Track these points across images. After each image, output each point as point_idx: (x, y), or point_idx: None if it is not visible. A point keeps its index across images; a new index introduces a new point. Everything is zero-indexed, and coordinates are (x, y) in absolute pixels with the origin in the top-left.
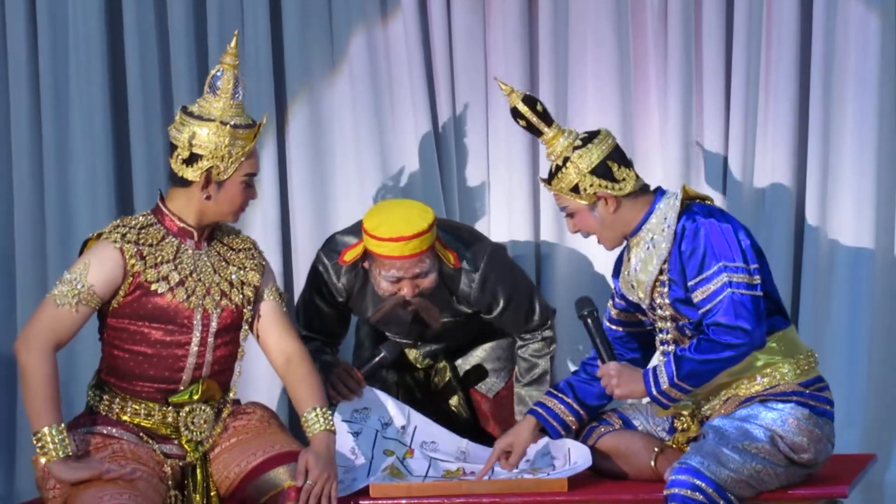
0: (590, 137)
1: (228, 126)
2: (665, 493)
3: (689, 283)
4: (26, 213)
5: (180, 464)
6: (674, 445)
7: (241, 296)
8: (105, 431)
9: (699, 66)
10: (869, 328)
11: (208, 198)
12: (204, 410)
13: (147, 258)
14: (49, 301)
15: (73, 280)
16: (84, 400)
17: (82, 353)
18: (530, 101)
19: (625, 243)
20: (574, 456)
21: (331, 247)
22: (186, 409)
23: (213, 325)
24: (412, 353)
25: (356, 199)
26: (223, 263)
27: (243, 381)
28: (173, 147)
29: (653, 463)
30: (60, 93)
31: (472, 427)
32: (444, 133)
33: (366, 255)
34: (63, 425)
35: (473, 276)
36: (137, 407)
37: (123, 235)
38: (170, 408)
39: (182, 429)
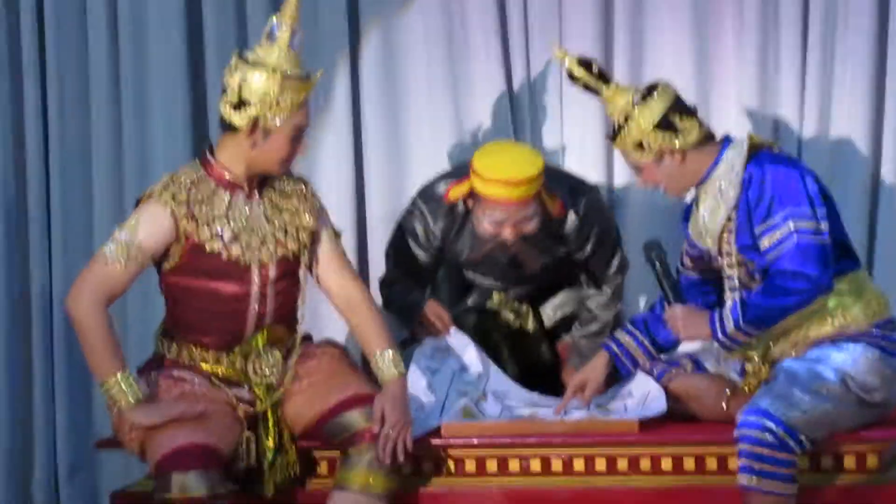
0: (649, 92)
1: (280, 74)
2: (736, 434)
3: (756, 230)
4: (103, 158)
5: (252, 409)
6: (745, 388)
7: (296, 242)
8: (176, 374)
9: (776, 13)
10: None
11: (254, 146)
12: (272, 354)
13: (199, 217)
14: (99, 257)
15: (124, 238)
16: (142, 355)
17: (133, 309)
18: (585, 63)
19: (694, 191)
20: (650, 399)
21: (428, 192)
22: (254, 354)
23: (272, 274)
24: (497, 297)
25: (430, 144)
26: (276, 211)
27: (315, 316)
28: (224, 91)
29: (724, 405)
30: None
31: (552, 372)
32: (518, 95)
33: (470, 193)
34: (128, 371)
35: (577, 214)
36: (206, 355)
37: (174, 196)
38: (238, 354)
39: (251, 374)
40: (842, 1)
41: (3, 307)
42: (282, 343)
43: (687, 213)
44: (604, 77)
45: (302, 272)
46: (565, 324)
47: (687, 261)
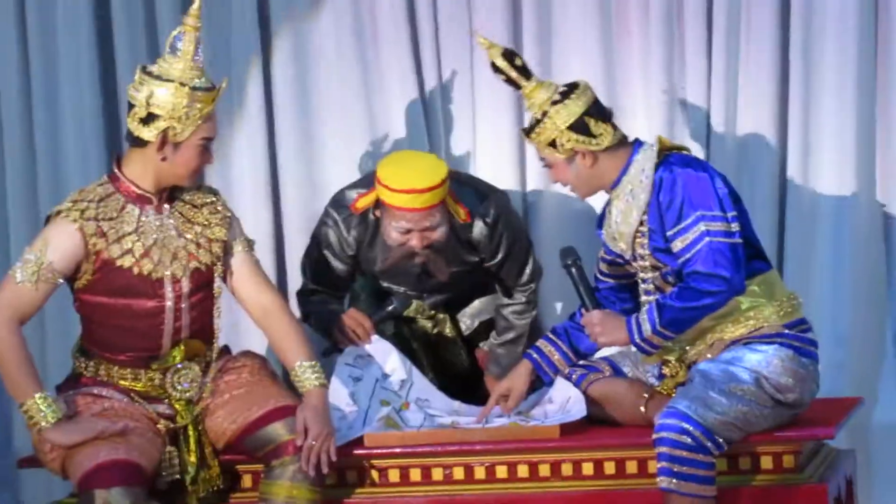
0: (568, 91)
1: (187, 87)
2: (654, 437)
3: (668, 234)
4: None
5: (172, 424)
6: (663, 391)
7: (209, 254)
8: (95, 392)
9: (681, 18)
10: (852, 273)
11: (164, 159)
12: (191, 368)
13: (108, 234)
14: (9, 279)
15: (33, 258)
16: (62, 370)
17: (51, 324)
18: (509, 55)
19: (606, 196)
20: (570, 404)
21: (339, 201)
22: (171, 370)
23: (185, 288)
24: (414, 305)
25: (343, 149)
26: (187, 223)
27: (236, 330)
28: (131, 106)
29: (643, 408)
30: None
31: (470, 378)
32: (430, 98)
33: (377, 203)
34: (46, 392)
35: (486, 222)
36: (124, 372)
37: (82, 212)
38: (156, 370)
39: (170, 389)
40: None
41: None
42: (200, 357)
43: (601, 218)
44: (525, 72)
45: (216, 285)
46: (483, 331)
47: (603, 266)
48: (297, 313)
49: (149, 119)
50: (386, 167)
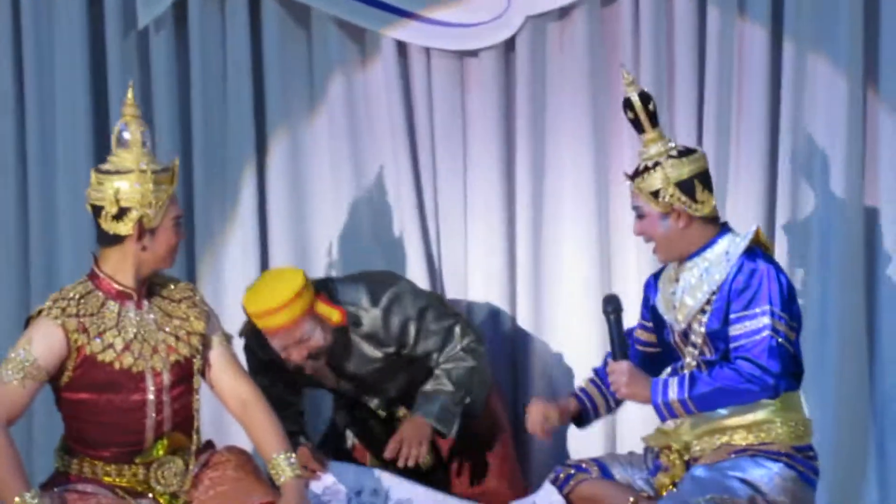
0: (686, 152)
1: (149, 173)
2: None
3: (731, 316)
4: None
5: None
6: (657, 486)
7: (188, 347)
8: (80, 488)
9: (671, 121)
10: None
11: (144, 249)
12: (174, 462)
13: (90, 329)
14: None
15: (18, 357)
16: (50, 465)
17: (38, 420)
18: (645, 97)
19: (674, 265)
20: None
21: (248, 329)
22: (155, 464)
23: (166, 381)
24: (371, 405)
25: (338, 254)
26: (166, 317)
27: (220, 423)
28: (97, 209)
29: None
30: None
31: (436, 470)
32: (426, 202)
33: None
34: (35, 490)
35: (376, 312)
36: (108, 468)
37: (63, 310)
38: (139, 465)
39: (154, 484)
40: (735, 99)
41: None
42: (183, 450)
43: (655, 283)
44: (653, 119)
45: (195, 379)
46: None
47: (640, 332)
48: None
49: (121, 214)
50: (246, 296)
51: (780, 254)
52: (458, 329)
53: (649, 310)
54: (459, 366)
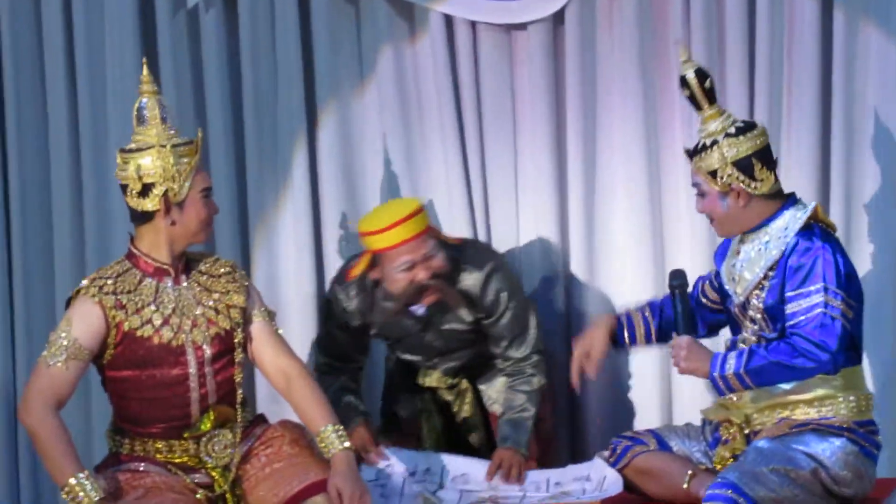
0: (745, 129)
1: (168, 147)
2: None
3: (787, 294)
4: (66, 226)
5: (211, 493)
6: (716, 458)
7: (228, 319)
8: (133, 467)
9: (722, 96)
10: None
11: (173, 223)
12: (223, 435)
13: (127, 306)
14: (41, 363)
15: (59, 338)
16: (104, 448)
17: (97, 403)
18: (702, 74)
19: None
20: (606, 483)
21: (340, 275)
22: (205, 438)
23: (208, 354)
24: (434, 375)
25: None
26: (206, 292)
27: (275, 399)
28: (124, 188)
29: (685, 485)
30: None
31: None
32: (473, 176)
33: (372, 265)
34: (87, 472)
35: (478, 274)
36: (158, 444)
37: (101, 288)
38: (189, 440)
39: (204, 457)
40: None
41: None
42: (230, 423)
43: (723, 251)
44: (710, 95)
45: (237, 353)
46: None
47: (707, 288)
48: None
49: (145, 190)
50: (362, 223)
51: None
52: (534, 330)
53: (716, 276)
54: (534, 387)
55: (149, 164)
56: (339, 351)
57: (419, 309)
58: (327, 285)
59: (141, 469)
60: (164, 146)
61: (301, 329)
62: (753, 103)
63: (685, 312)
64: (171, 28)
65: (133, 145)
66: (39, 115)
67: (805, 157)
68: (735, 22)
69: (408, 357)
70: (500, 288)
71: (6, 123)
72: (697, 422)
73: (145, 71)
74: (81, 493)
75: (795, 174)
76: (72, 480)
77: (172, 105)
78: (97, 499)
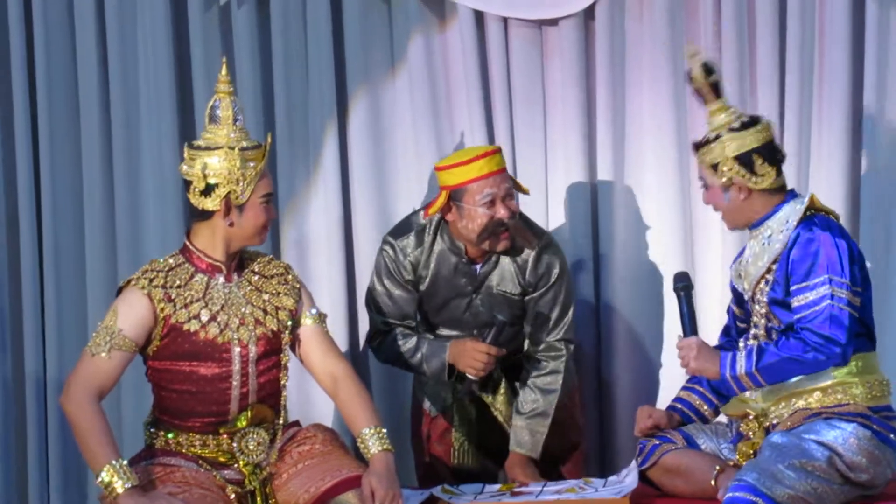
0: (749, 124)
1: (237, 150)
2: None
3: (792, 288)
4: (97, 219)
5: (240, 490)
6: (738, 455)
7: (276, 321)
8: (164, 461)
9: (753, 88)
10: None
11: (231, 224)
12: (258, 433)
13: (176, 300)
14: (85, 353)
15: (104, 328)
16: (141, 440)
17: (127, 397)
18: (708, 69)
19: (748, 233)
20: (626, 476)
21: (397, 229)
22: (239, 434)
23: (252, 353)
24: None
25: (417, 198)
26: (256, 292)
27: (304, 402)
28: (188, 183)
29: (713, 482)
30: (129, 94)
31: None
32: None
33: (447, 206)
34: (123, 460)
35: (536, 243)
36: (193, 438)
37: (151, 280)
38: (224, 435)
39: (238, 454)
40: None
41: None
42: (267, 423)
43: (740, 254)
44: (716, 89)
45: (283, 354)
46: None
47: (737, 312)
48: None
49: (208, 189)
50: (449, 159)
51: (865, 220)
52: (571, 318)
53: (732, 290)
54: (555, 389)
55: (215, 164)
56: (394, 308)
57: (480, 266)
58: (357, 272)
59: (172, 463)
60: (232, 148)
61: (332, 315)
62: (784, 94)
63: (691, 313)
64: (202, 23)
65: (202, 143)
66: (72, 115)
67: (837, 148)
68: (766, 12)
69: (446, 332)
70: (552, 262)
71: (38, 126)
72: (724, 419)
73: (224, 71)
74: (115, 480)
75: (826, 164)
76: (106, 467)
77: (203, 90)
78: (129, 486)
